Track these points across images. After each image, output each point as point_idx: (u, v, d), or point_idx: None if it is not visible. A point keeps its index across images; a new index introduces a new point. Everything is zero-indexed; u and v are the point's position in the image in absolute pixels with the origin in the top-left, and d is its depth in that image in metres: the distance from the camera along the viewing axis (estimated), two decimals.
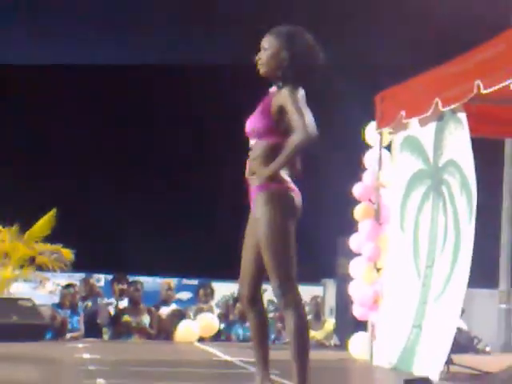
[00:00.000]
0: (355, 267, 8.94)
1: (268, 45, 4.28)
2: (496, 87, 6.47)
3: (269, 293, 14.24)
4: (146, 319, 11.14)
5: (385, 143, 8.84)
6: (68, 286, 11.49)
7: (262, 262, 4.21)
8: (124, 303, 11.36)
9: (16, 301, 10.50)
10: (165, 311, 11.39)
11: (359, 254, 8.92)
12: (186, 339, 10.74)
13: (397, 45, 14.14)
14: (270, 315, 13.28)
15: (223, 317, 11.67)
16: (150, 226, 15.54)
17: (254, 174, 4.23)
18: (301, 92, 4.19)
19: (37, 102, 16.95)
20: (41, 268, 12.31)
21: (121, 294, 11.49)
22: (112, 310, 11.35)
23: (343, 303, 10.15)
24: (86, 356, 8.02)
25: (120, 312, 11.21)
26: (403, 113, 7.95)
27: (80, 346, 9.41)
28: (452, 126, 7.42)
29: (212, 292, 11.96)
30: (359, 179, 9.04)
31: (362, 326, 8.89)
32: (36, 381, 6.12)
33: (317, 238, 12.44)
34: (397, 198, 8.45)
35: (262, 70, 4.31)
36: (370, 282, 8.73)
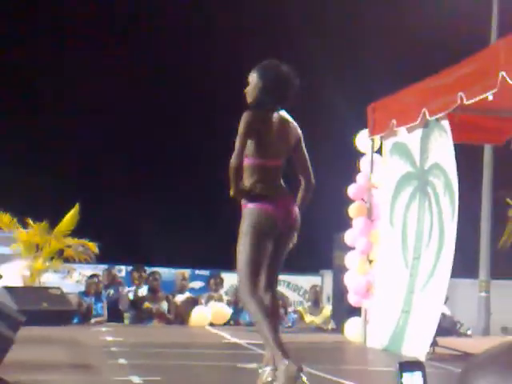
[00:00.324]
0: (350, 259, 8.94)
1: (250, 79, 4.60)
2: (477, 99, 6.48)
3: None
4: (164, 306, 11.16)
5: (376, 149, 8.84)
6: (92, 276, 11.51)
7: None
8: (143, 291, 11.36)
9: (46, 289, 10.52)
10: (180, 299, 11.39)
11: (353, 248, 8.92)
12: (199, 323, 10.74)
13: (387, 62, 14.14)
14: None
15: (231, 304, 11.67)
16: (166, 223, 15.57)
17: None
18: (253, 118, 4.38)
19: (63, 107, 16.91)
20: (68, 260, 12.33)
21: (139, 283, 11.50)
22: (131, 297, 11.36)
23: (339, 291, 10.14)
24: (109, 338, 8.03)
25: (139, 299, 11.22)
26: (394, 121, 7.95)
27: (103, 329, 9.40)
28: (437, 133, 7.42)
29: (221, 281, 11.96)
30: (353, 181, 9.05)
31: (356, 311, 8.89)
32: (65, 360, 6.12)
33: (316, 234, 12.42)
34: (387, 197, 8.45)
35: (248, 100, 4.59)
36: (363, 273, 8.73)
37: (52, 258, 12.03)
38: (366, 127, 8.83)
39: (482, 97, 6.42)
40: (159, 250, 14.80)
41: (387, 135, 8.41)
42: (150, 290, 11.26)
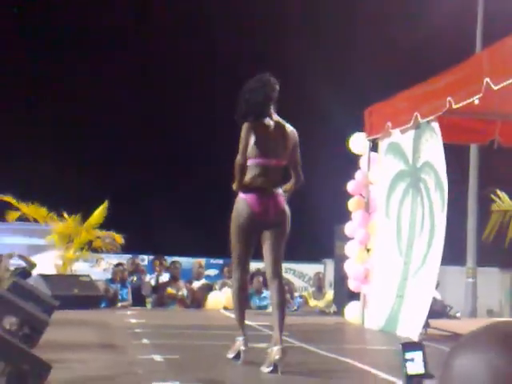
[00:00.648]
0: (349, 249, 8.91)
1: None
2: (464, 103, 6.45)
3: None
4: (183, 291, 11.16)
5: (372, 149, 8.82)
6: (118, 264, 11.52)
7: None
8: (163, 278, 11.37)
9: (77, 277, 10.54)
10: (196, 285, 11.39)
11: (353, 239, 8.88)
12: (214, 307, 10.74)
13: (381, 68, 14.08)
14: None
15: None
16: (184, 216, 15.58)
17: None
18: (250, 125, 4.66)
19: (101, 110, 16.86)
20: (96, 250, 12.37)
21: (160, 270, 11.51)
22: (153, 283, 11.37)
23: (340, 278, 10.11)
24: (133, 321, 8.02)
25: (160, 285, 11.23)
26: (389, 124, 7.91)
27: (128, 313, 9.41)
28: (428, 134, 7.38)
29: None
30: (352, 178, 9.02)
31: (355, 296, 8.86)
32: (94, 340, 6.13)
33: (318, 226, 12.42)
34: (383, 192, 8.41)
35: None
36: (361, 261, 8.70)
37: (82, 249, 12.06)
38: (362, 129, 8.80)
39: (468, 101, 6.38)
40: (178, 240, 14.82)
41: (383, 136, 8.38)
42: (171, 276, 11.27)
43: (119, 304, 10.67)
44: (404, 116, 7.53)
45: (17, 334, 4.36)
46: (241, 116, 4.73)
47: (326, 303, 11.20)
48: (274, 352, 4.46)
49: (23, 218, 12.27)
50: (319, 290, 11.60)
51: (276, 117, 4.79)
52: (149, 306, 11.02)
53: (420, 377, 1.09)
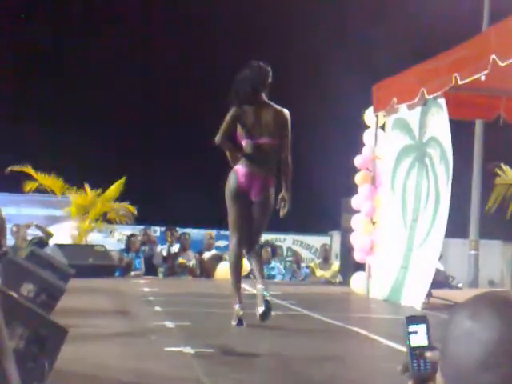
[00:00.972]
0: (356, 221, 8.91)
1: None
2: (470, 79, 6.38)
3: (289, 241, 14.26)
4: (193, 261, 11.22)
5: (380, 124, 8.77)
6: (132, 235, 11.59)
7: None
8: (174, 248, 11.44)
9: (92, 247, 10.60)
10: (207, 255, 11.45)
11: (359, 211, 8.88)
12: (223, 277, 10.78)
13: (391, 44, 13.94)
14: (288, 259, 13.32)
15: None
16: (195, 189, 15.58)
17: None
18: (236, 110, 4.96)
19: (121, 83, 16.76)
20: (110, 221, 12.43)
21: (171, 241, 11.56)
22: (165, 254, 11.44)
23: (346, 249, 10.13)
24: (146, 289, 8.07)
25: (172, 255, 11.30)
26: (395, 99, 7.86)
27: (141, 281, 9.47)
28: (434, 109, 7.33)
29: None
30: (359, 152, 8.99)
31: (360, 267, 8.88)
32: (108, 308, 6.18)
33: (325, 199, 12.42)
34: (389, 167, 8.38)
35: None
36: (367, 233, 8.70)
37: (97, 220, 12.13)
38: (371, 105, 8.74)
39: (474, 77, 6.31)
40: (190, 212, 14.85)
41: (389, 112, 8.33)
42: (181, 247, 11.33)
43: (132, 273, 10.75)
44: (411, 92, 7.47)
45: (34, 300, 4.41)
46: (231, 101, 5.00)
47: (332, 274, 11.24)
48: (237, 309, 4.96)
49: (40, 190, 12.34)
50: (325, 260, 11.64)
51: (265, 100, 5.04)
52: (160, 275, 11.10)
53: (423, 348, 1.10)
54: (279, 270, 11.62)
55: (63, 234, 11.55)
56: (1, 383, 1.07)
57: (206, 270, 11.21)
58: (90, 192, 11.94)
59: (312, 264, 12.24)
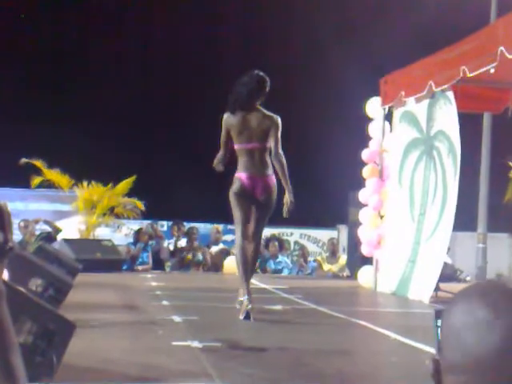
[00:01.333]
0: (363, 215, 8.89)
1: None
2: (478, 72, 6.34)
3: (296, 235, 14.25)
4: (200, 256, 11.23)
5: (387, 117, 8.74)
6: (139, 229, 11.61)
7: None
8: (181, 243, 11.45)
9: (99, 241, 10.63)
10: (214, 249, 11.46)
11: (366, 205, 8.86)
12: (231, 271, 10.79)
13: (397, 37, 13.88)
14: (295, 253, 13.32)
15: (259, 254, 11.69)
16: (202, 184, 15.60)
17: None
18: (226, 118, 5.35)
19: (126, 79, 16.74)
20: (118, 216, 12.46)
21: (178, 235, 11.57)
22: (172, 248, 11.45)
23: (353, 243, 10.12)
24: (154, 284, 8.08)
25: (179, 250, 11.31)
26: (403, 93, 7.82)
27: (149, 276, 9.49)
28: (442, 102, 7.29)
29: None
30: (366, 146, 8.96)
31: (368, 261, 8.87)
32: (116, 302, 6.19)
33: (333, 193, 12.40)
34: (396, 160, 8.35)
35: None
36: (374, 227, 8.68)
37: (104, 215, 12.16)
38: (376, 97, 8.71)
39: (482, 70, 6.27)
40: (197, 207, 14.87)
41: (397, 105, 8.29)
42: (188, 242, 11.35)
43: (140, 267, 10.77)
44: (419, 85, 7.43)
45: (42, 295, 4.42)
46: (228, 104, 5.35)
47: (339, 267, 11.23)
48: (245, 302, 5.11)
49: (47, 185, 12.38)
50: (333, 254, 11.63)
51: (259, 108, 5.37)
52: (168, 269, 11.12)
53: None
54: (286, 264, 11.62)
55: (70, 228, 11.58)
56: (8, 378, 1.07)
57: (213, 264, 11.22)
58: (97, 187, 11.98)
59: (319, 258, 12.23)
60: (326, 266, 11.29)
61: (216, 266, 11.15)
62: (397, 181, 8.29)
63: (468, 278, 10.54)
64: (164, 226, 14.30)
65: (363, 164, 8.96)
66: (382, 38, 14.04)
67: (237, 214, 5.42)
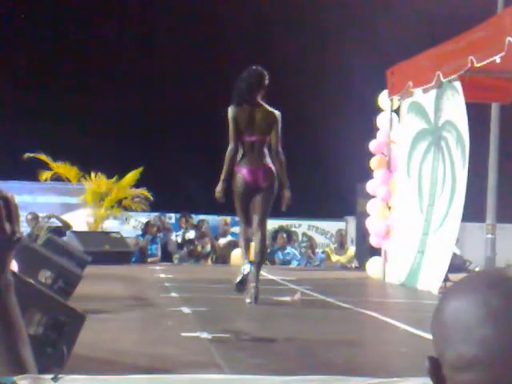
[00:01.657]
0: (371, 206, 8.89)
1: None
2: (486, 61, 6.31)
3: (304, 227, 14.27)
4: (209, 248, 11.26)
5: (394, 108, 8.70)
6: (148, 222, 11.65)
7: None
8: (189, 235, 11.47)
9: (108, 234, 10.67)
10: (222, 241, 11.48)
11: (374, 196, 8.85)
12: (239, 263, 10.81)
13: (404, 27, 13.81)
14: (303, 245, 13.33)
15: (268, 245, 11.70)
16: (210, 177, 15.62)
17: None
18: (231, 110, 5.60)
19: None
20: (126, 208, 12.49)
21: (186, 227, 11.60)
22: (180, 240, 11.48)
23: (362, 234, 10.12)
24: (162, 275, 8.12)
25: (187, 242, 11.34)
26: (410, 83, 7.78)
27: (157, 268, 9.53)
28: (449, 93, 7.26)
29: None
30: (374, 137, 8.94)
31: (376, 252, 8.87)
32: (125, 294, 6.23)
33: (341, 184, 12.38)
34: (404, 151, 8.33)
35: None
36: (383, 218, 8.67)
37: (112, 207, 12.19)
38: (385, 89, 8.68)
39: (490, 60, 6.23)
40: (205, 199, 14.89)
41: (404, 96, 8.26)
42: (198, 234, 11.38)
43: (148, 259, 10.81)
44: (426, 75, 7.40)
45: (51, 286, 4.45)
46: (232, 98, 5.63)
47: (347, 258, 11.23)
48: (253, 288, 5.45)
49: (55, 178, 12.42)
50: (341, 246, 11.63)
51: (259, 101, 5.61)
52: (175, 261, 11.16)
53: None
54: (295, 255, 11.63)
55: (79, 221, 11.62)
56: (17, 370, 1.07)
57: (221, 256, 11.24)
58: (105, 179, 12.01)
59: (328, 249, 12.24)
60: (335, 258, 11.30)
61: (224, 257, 11.18)
62: (405, 172, 8.27)
63: (477, 269, 10.51)
64: (172, 218, 14.33)
65: (371, 155, 8.94)
66: (389, 28, 13.98)
67: (240, 208, 5.77)
